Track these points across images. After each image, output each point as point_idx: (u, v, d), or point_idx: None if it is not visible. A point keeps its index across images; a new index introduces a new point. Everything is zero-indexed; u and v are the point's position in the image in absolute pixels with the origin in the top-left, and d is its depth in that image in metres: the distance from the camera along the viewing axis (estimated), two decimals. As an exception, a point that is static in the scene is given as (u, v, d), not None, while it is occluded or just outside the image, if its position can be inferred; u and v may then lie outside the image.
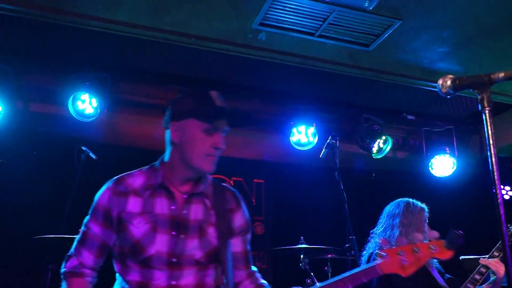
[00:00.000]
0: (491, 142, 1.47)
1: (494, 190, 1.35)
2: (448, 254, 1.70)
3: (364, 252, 3.49)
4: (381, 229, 3.49)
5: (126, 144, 4.76)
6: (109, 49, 3.91)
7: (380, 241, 1.76)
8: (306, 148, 5.01)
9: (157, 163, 1.87)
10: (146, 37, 3.15)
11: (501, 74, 1.51)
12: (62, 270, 1.84)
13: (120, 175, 1.85)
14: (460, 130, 5.52)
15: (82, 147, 3.76)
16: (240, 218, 1.89)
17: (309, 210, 5.45)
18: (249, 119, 1.96)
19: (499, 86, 4.02)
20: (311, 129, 4.97)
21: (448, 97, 1.69)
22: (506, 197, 5.78)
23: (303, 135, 4.97)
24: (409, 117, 5.38)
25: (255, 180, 5.73)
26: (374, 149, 5.19)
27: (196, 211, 1.79)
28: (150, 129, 4.62)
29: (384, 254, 1.73)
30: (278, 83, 4.67)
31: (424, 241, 1.71)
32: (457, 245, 1.68)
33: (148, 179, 1.81)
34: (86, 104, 4.13)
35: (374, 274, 1.72)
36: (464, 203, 5.67)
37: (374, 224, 3.64)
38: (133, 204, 1.76)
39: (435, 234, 1.73)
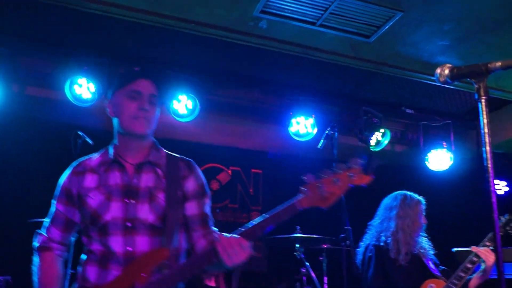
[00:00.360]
0: (486, 131, 1.48)
1: (486, 176, 1.36)
2: (366, 179, 1.73)
3: (361, 243, 3.53)
4: (379, 221, 3.53)
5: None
6: (109, 33, 3.89)
7: (305, 177, 1.77)
8: (304, 139, 5.02)
9: (110, 145, 2.07)
10: (146, 22, 3.14)
11: (498, 64, 1.53)
12: (34, 245, 2.03)
13: (79, 159, 2.08)
14: (458, 125, 5.54)
15: (79, 132, 3.73)
16: (192, 183, 2.02)
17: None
18: (167, 79, 2.07)
19: (497, 81, 4.03)
20: (310, 120, 4.97)
21: (446, 86, 1.70)
22: (501, 192, 5.82)
23: (302, 126, 4.98)
24: (408, 111, 5.39)
25: (253, 170, 5.75)
26: (372, 142, 5.21)
27: (147, 179, 1.95)
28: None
29: (305, 189, 1.75)
30: (278, 73, 4.67)
31: (342, 171, 1.73)
32: (373, 169, 1.72)
33: (103, 158, 2.03)
34: (83, 88, 4.11)
35: (294, 211, 1.77)
36: (460, 197, 5.70)
37: (370, 216, 3.67)
38: (90, 180, 1.97)
39: (356, 162, 1.75)
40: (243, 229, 1.80)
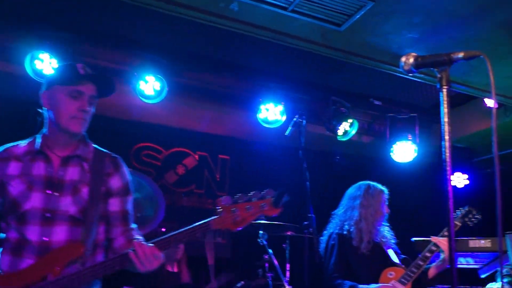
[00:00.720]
0: (446, 120, 1.50)
1: (444, 164, 1.37)
2: (275, 211, 1.92)
3: (325, 231, 3.57)
4: (342, 210, 3.58)
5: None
6: (73, 7, 3.74)
7: (222, 199, 1.92)
8: (273, 126, 5.02)
9: (38, 134, 2.09)
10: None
11: (461, 54, 1.55)
12: None
13: (5, 145, 2.08)
14: (424, 119, 5.65)
15: (39, 110, 3.60)
16: (117, 181, 2.10)
17: (272, 188, 5.47)
18: (113, 86, 2.13)
19: (462, 76, 4.10)
20: (280, 107, 4.97)
21: (411, 76, 1.71)
22: (461, 185, 5.99)
23: (271, 113, 4.98)
24: (376, 102, 5.46)
25: (220, 156, 5.71)
26: (340, 132, 5.26)
27: (72, 173, 2.01)
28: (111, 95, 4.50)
29: (220, 211, 1.90)
30: (248, 58, 4.62)
31: (256, 199, 1.89)
32: (282, 204, 1.91)
33: (29, 147, 2.05)
34: (45, 64, 3.93)
35: (207, 229, 1.91)
36: (422, 188, 5.85)
37: (334, 205, 3.71)
38: (13, 168, 1.99)
39: (269, 193, 1.92)
40: (158, 239, 1.91)
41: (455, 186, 5.92)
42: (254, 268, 4.10)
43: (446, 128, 1.48)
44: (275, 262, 3.85)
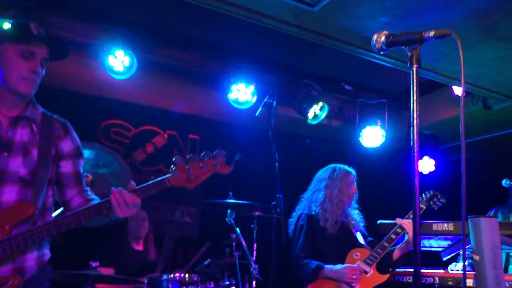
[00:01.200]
0: (415, 98, 1.51)
1: (412, 144, 1.39)
2: (228, 169, 1.99)
3: (294, 213, 3.60)
4: (310, 193, 3.62)
5: (50, 83, 4.48)
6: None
7: (175, 158, 1.97)
8: (243, 107, 4.99)
9: None
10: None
11: (432, 33, 1.56)
12: None
13: None
14: (393, 105, 5.74)
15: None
16: (68, 144, 2.10)
17: (241, 169, 5.46)
18: (67, 50, 2.08)
19: (431, 63, 4.16)
20: (251, 88, 4.94)
21: (381, 52, 1.71)
22: (426, 172, 6.14)
23: (242, 93, 4.94)
24: (347, 87, 5.49)
25: (190, 136, 5.65)
26: (310, 115, 5.28)
27: (22, 134, 1.99)
28: (79, 70, 4.36)
29: (175, 169, 1.95)
30: (221, 37, 4.55)
31: (208, 159, 1.96)
32: (235, 161, 1.98)
33: None
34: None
35: (163, 186, 1.96)
36: (389, 172, 5.97)
37: (303, 186, 3.74)
38: None
39: (221, 152, 1.99)
40: (136, 188, 1.95)
41: (421, 172, 6.06)
42: (222, 247, 4.11)
43: (414, 106, 1.49)
44: (243, 241, 3.86)
